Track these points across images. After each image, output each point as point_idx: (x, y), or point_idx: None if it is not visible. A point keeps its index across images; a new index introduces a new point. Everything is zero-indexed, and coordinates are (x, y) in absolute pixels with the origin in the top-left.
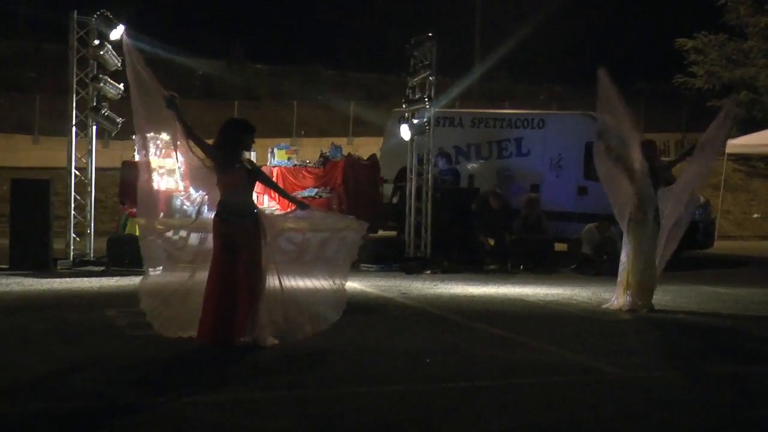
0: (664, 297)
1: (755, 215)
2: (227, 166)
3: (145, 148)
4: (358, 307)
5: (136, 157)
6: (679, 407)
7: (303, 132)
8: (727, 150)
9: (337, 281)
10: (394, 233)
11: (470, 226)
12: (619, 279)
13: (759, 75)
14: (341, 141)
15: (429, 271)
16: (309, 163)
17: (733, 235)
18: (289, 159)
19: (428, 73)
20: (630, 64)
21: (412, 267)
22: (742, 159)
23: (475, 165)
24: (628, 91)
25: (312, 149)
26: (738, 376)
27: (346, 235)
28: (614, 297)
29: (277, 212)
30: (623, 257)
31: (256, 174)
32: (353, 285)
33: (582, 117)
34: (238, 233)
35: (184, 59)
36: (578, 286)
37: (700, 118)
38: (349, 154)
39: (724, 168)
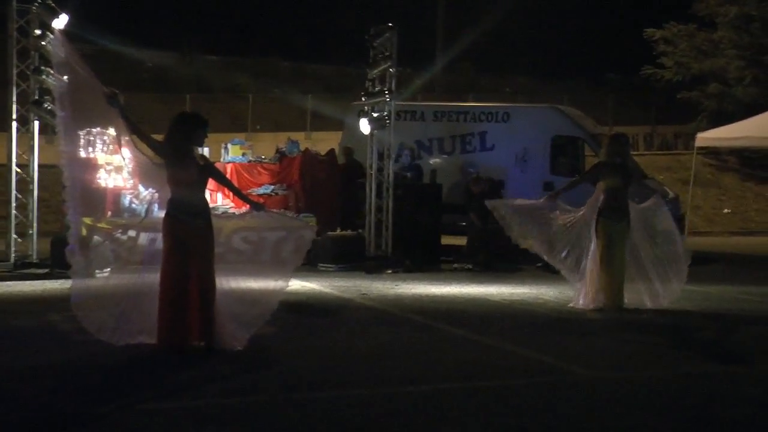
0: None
1: (726, 210)
2: (178, 162)
3: (74, 144)
4: (316, 308)
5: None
6: (648, 409)
7: (258, 126)
8: (697, 144)
9: (280, 282)
10: (353, 231)
11: (433, 223)
12: (587, 277)
13: (729, 66)
14: (298, 136)
15: (390, 271)
16: (264, 158)
17: (703, 230)
18: (243, 155)
19: (389, 64)
20: (598, 54)
21: (373, 267)
22: (712, 153)
23: (437, 160)
24: (596, 83)
25: (268, 144)
26: (707, 376)
27: (304, 234)
28: (580, 295)
29: (231, 211)
30: (591, 255)
31: (209, 170)
32: (311, 286)
33: (548, 110)
34: (190, 233)
35: (134, 50)
36: (544, 284)
37: (670, 111)
38: (307, 150)
39: (693, 162)
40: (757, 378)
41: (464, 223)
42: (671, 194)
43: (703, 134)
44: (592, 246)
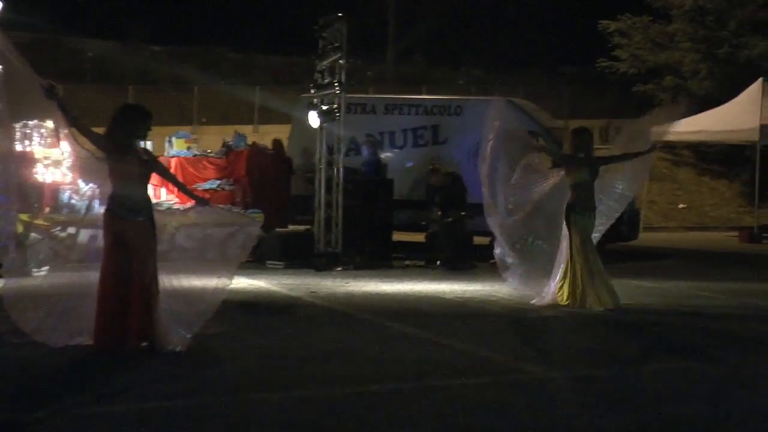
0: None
1: (681, 206)
2: (120, 156)
3: (8, 137)
4: (264, 307)
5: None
6: (602, 408)
7: (204, 119)
8: (652, 138)
9: (223, 280)
10: (302, 228)
11: (384, 219)
12: (559, 274)
13: (684, 59)
14: (246, 129)
15: (340, 268)
16: (210, 152)
17: (658, 226)
18: (188, 148)
19: (338, 55)
20: (553, 46)
21: (322, 264)
22: (668, 147)
23: (389, 154)
24: (551, 76)
25: (214, 138)
26: (663, 373)
27: (250, 231)
28: (547, 292)
29: (176, 207)
30: (562, 250)
31: (152, 165)
32: (259, 284)
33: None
34: (132, 230)
35: (73, 39)
36: (498, 281)
37: (626, 104)
38: (254, 143)
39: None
40: (712, 375)
41: (423, 223)
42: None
43: (657, 128)
44: (563, 242)
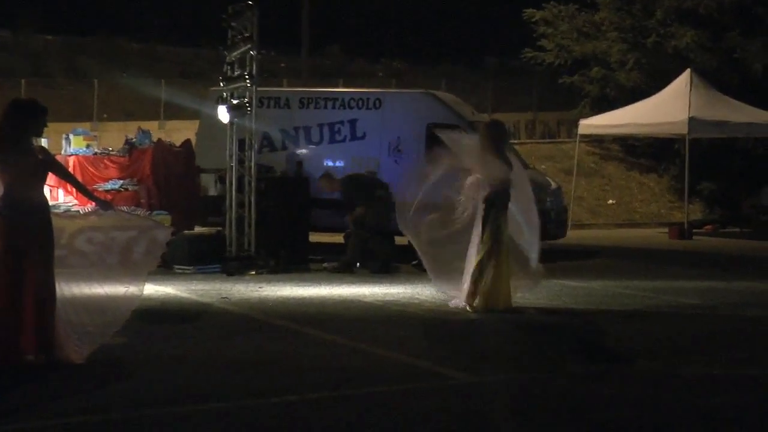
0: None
1: (610, 201)
2: (12, 155)
3: None
4: (172, 315)
5: None
6: (532, 413)
7: (105, 115)
8: (580, 131)
9: (132, 288)
10: (212, 229)
11: (300, 219)
12: (470, 274)
13: (611, 49)
14: (150, 125)
15: (253, 272)
16: (112, 150)
17: (587, 223)
18: (88, 146)
19: (249, 46)
20: (476, 36)
21: (234, 268)
22: (596, 141)
23: (304, 150)
24: (474, 67)
25: (116, 135)
26: (588, 376)
27: (157, 236)
28: (462, 294)
29: (75, 209)
30: (472, 250)
31: (49, 164)
32: (166, 290)
33: (422, 96)
34: (26, 234)
35: None
36: (419, 284)
37: (552, 96)
38: (159, 141)
39: (576, 151)
40: (637, 377)
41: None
42: (554, 185)
43: (585, 121)
44: (474, 241)
